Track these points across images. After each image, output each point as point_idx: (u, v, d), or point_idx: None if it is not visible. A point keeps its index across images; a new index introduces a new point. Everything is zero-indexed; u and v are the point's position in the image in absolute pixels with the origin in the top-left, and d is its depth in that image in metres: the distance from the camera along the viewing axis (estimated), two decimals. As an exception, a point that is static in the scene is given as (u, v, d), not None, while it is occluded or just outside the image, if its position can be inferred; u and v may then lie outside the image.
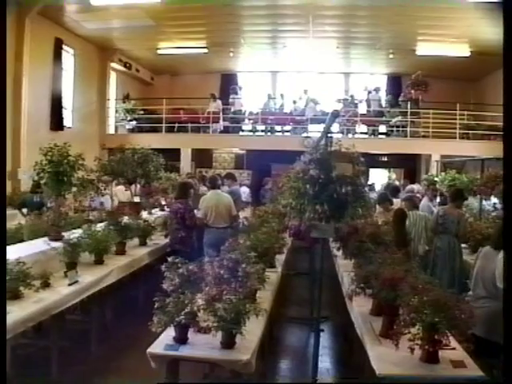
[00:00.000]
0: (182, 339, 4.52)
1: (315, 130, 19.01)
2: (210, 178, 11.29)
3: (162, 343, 4.51)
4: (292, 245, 9.76)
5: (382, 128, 21.63)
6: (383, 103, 21.67)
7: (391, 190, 12.19)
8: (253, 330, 4.70)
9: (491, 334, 5.37)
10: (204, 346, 4.48)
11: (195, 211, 9.80)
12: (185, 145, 20.71)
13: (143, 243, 9.49)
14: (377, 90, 22.14)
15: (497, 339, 5.19)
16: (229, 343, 4.46)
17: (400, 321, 4.37)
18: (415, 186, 15.06)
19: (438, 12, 15.33)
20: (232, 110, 21.57)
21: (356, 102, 21.68)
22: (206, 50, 20.32)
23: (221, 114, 21.40)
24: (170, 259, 5.17)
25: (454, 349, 4.42)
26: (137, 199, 11.99)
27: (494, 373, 5.13)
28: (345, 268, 7.45)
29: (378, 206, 10.48)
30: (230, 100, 21.79)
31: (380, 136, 21.66)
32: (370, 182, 16.03)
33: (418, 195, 13.59)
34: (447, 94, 21.25)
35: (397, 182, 18.01)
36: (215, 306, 4.46)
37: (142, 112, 21.47)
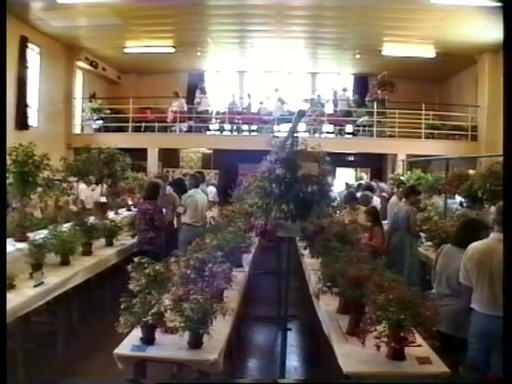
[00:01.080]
0: (148, 340, 4.50)
1: (283, 130, 19.05)
2: (191, 177, 11.27)
3: (129, 344, 4.48)
4: (259, 244, 9.78)
5: (349, 128, 21.75)
6: (351, 103, 21.79)
7: (365, 189, 12.28)
8: (220, 330, 4.70)
9: (457, 330, 5.45)
10: (171, 346, 4.47)
11: (164, 210, 9.81)
12: (152, 144, 20.59)
13: (110, 243, 9.43)
14: (344, 89, 22.33)
15: (462, 335, 5.30)
16: (196, 343, 4.45)
17: (366, 319, 4.41)
18: (381, 184, 15.22)
19: (403, 13, 15.48)
20: (199, 109, 21.47)
21: (323, 101, 21.80)
22: (173, 49, 20.22)
23: (184, 112, 21.35)
24: (136, 259, 5.14)
25: (419, 345, 4.46)
26: (103, 199, 11.90)
27: (459, 368, 5.23)
28: (312, 267, 7.48)
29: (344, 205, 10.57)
30: (198, 99, 21.69)
31: (347, 136, 21.77)
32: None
33: (384, 194, 13.76)
34: (413, 95, 21.49)
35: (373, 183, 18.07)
36: (182, 306, 4.43)
37: (108, 111, 21.26)
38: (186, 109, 21.26)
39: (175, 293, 4.71)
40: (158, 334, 4.57)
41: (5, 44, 3.89)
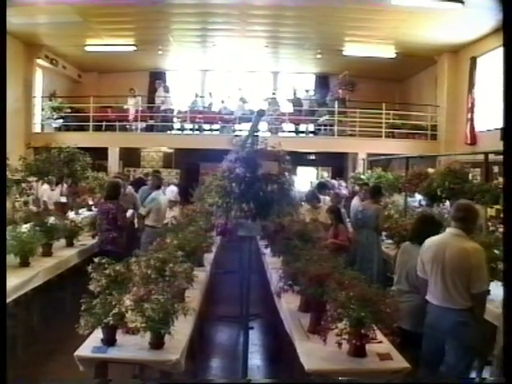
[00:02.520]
0: (110, 341, 4.46)
1: (244, 129, 19.04)
2: (154, 177, 11.22)
3: (90, 345, 4.43)
4: (221, 243, 9.78)
5: (310, 127, 21.84)
6: (312, 102, 21.89)
7: (320, 188, 12.36)
8: (181, 330, 4.69)
9: (417, 326, 5.54)
10: (132, 346, 4.44)
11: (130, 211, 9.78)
12: (112, 144, 20.34)
13: (70, 244, 9.31)
14: (307, 90, 22.47)
15: (422, 331, 5.43)
16: (157, 343, 4.43)
17: (327, 316, 4.44)
18: (342, 183, 15.35)
19: (364, 14, 15.60)
20: (162, 108, 21.34)
21: (286, 100, 21.86)
22: (134, 48, 20.02)
23: (145, 111, 21.25)
24: (96, 260, 5.10)
25: (380, 342, 4.52)
26: (63, 199, 11.77)
27: (419, 363, 5.32)
28: (273, 265, 7.50)
29: (305, 204, 10.62)
30: (162, 98, 21.54)
31: (308, 134, 21.86)
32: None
33: (343, 192, 13.87)
34: (373, 94, 21.65)
35: (334, 181, 18.13)
36: (143, 306, 4.40)
37: (68, 110, 20.95)
38: (140, 108, 21.13)
39: (136, 293, 4.67)
40: (119, 335, 4.52)
41: (5, 45, 3.83)
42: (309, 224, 8.52)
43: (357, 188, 13.34)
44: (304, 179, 19.30)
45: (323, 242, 7.96)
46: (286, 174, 5.28)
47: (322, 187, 12.47)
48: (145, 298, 4.55)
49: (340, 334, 4.28)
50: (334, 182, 15.61)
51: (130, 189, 11.69)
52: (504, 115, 3.43)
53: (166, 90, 21.94)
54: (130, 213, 10.29)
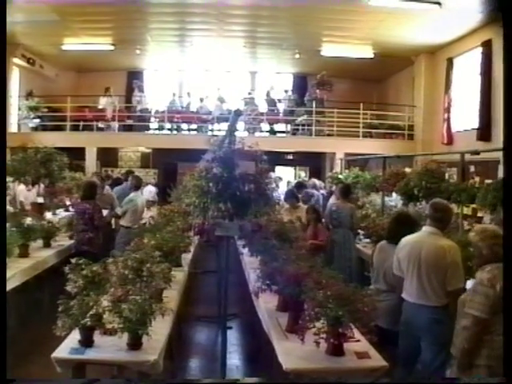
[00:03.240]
0: (87, 342, 4.43)
1: (222, 129, 19.02)
2: (135, 177, 11.14)
3: (67, 347, 4.40)
4: (199, 243, 9.76)
5: (288, 127, 21.88)
6: (290, 102, 21.93)
7: (298, 187, 12.40)
8: (159, 330, 4.68)
9: (394, 324, 5.60)
10: (110, 348, 4.41)
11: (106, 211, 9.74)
12: (90, 143, 20.22)
13: (47, 245, 9.21)
14: (286, 90, 22.54)
15: (399, 329, 5.48)
16: (135, 344, 4.41)
17: (305, 316, 4.44)
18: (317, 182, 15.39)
19: (342, 14, 15.65)
20: (138, 108, 21.25)
21: (266, 99, 21.90)
22: (112, 47, 19.88)
23: (122, 111, 21.19)
24: (73, 260, 5.06)
25: (358, 341, 4.55)
26: (40, 200, 11.67)
27: (396, 361, 5.37)
28: (251, 265, 7.47)
29: (284, 203, 10.64)
30: (137, 98, 21.45)
31: (286, 134, 21.89)
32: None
33: (321, 191, 13.91)
34: (351, 94, 21.80)
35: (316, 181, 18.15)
36: (121, 307, 4.39)
37: (45, 110, 20.77)
38: (117, 107, 21.05)
39: (113, 294, 4.66)
40: (97, 336, 4.50)
41: (5, 46, 3.79)
42: (287, 224, 8.52)
43: (334, 188, 13.40)
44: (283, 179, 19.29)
45: (303, 243, 7.98)
46: (263, 173, 5.29)
47: (300, 187, 12.50)
48: (122, 298, 4.54)
49: (318, 333, 4.30)
50: (316, 181, 15.62)
51: (107, 189, 11.63)
52: (504, 115, 3.46)
53: (141, 89, 21.86)
54: (107, 213, 10.25)
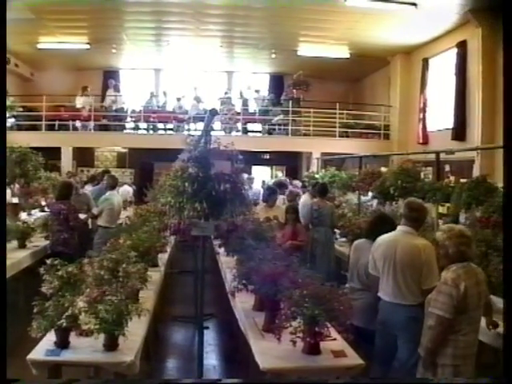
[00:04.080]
0: (63, 343, 4.39)
1: (199, 129, 18.98)
2: (110, 177, 11.07)
3: (43, 349, 4.35)
4: (175, 243, 9.74)
5: (265, 126, 21.90)
6: (267, 102, 21.97)
7: (279, 186, 12.39)
8: (136, 331, 4.65)
9: (369, 323, 5.62)
10: (86, 349, 4.37)
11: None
12: (66, 143, 20.05)
13: (22, 246, 9.12)
14: (257, 91, 22.57)
15: (374, 327, 5.53)
16: (111, 345, 4.37)
17: (281, 315, 4.44)
18: (295, 182, 15.46)
19: (319, 14, 15.71)
20: (113, 107, 21.13)
21: (240, 98, 21.91)
22: (88, 46, 19.74)
23: (98, 110, 21.06)
24: (48, 261, 5.02)
25: (334, 339, 4.55)
26: (15, 200, 11.55)
27: (372, 359, 5.40)
28: (227, 265, 7.48)
29: (261, 202, 10.64)
30: (112, 97, 21.32)
31: (261, 134, 21.93)
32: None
33: (298, 190, 13.94)
34: (328, 94, 21.83)
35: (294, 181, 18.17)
36: (96, 307, 4.36)
37: (21, 109, 20.56)
38: (93, 107, 20.91)
39: (89, 294, 4.63)
40: (73, 338, 4.45)
41: (5, 42, 3.75)
42: (264, 223, 8.51)
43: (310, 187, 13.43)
44: (259, 178, 19.31)
45: (283, 245, 7.99)
46: (239, 173, 5.29)
47: (279, 186, 12.48)
48: (98, 299, 4.51)
49: (294, 333, 4.30)
50: (295, 182, 15.69)
51: (83, 189, 11.55)
52: (504, 115, 3.48)
53: (117, 89, 21.76)
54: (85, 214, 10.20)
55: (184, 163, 5.10)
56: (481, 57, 14.64)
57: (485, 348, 5.01)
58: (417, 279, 5.15)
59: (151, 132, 21.52)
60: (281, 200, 11.62)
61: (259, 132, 22.02)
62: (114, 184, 10.72)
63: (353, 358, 4.40)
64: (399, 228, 5.53)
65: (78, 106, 20.69)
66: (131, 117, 21.76)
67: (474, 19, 14.56)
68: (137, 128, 21.73)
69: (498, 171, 13.02)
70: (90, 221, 10.71)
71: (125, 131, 21.70)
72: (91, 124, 20.52)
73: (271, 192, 10.54)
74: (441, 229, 4.88)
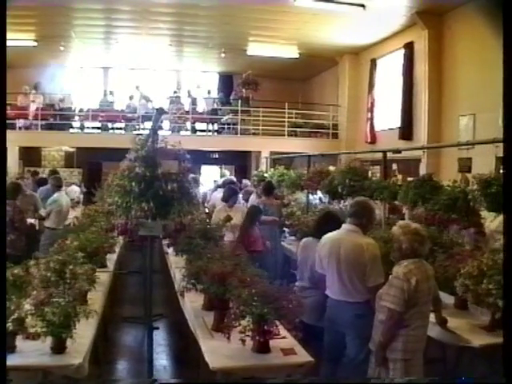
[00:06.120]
0: (9, 347, 4.29)
1: (148, 128, 18.83)
2: (55, 178, 10.89)
3: (-12, 353, 4.28)
4: (124, 243, 9.65)
5: (211, 125, 21.92)
6: (216, 101, 21.98)
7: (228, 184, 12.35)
8: (84, 333, 4.60)
9: (318, 320, 5.70)
10: (33, 352, 4.30)
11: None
12: (12, 142, 19.62)
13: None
14: (209, 92, 22.65)
15: (324, 325, 5.56)
16: (59, 348, 4.31)
17: (230, 314, 4.46)
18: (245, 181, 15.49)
19: (268, 14, 15.79)
20: (60, 106, 20.79)
21: (189, 97, 21.87)
22: (35, 43, 19.40)
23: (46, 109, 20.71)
24: (-7, 263, 4.92)
25: (284, 337, 4.59)
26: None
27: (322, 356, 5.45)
28: (176, 264, 7.44)
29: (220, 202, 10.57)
30: (60, 96, 20.94)
31: (210, 133, 21.94)
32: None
33: (252, 189, 13.96)
34: (277, 93, 21.97)
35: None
36: (43, 310, 4.29)
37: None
38: (41, 105, 20.57)
39: (36, 297, 4.57)
40: (20, 341, 4.38)
41: (5, 44, 3.65)
42: (222, 226, 8.44)
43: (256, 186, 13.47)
44: (207, 178, 19.31)
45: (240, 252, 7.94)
46: (186, 172, 5.28)
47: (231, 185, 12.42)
48: (45, 301, 4.45)
49: (243, 331, 4.32)
50: (245, 181, 15.69)
51: (30, 190, 11.35)
52: (504, 115, 3.52)
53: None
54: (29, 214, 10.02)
55: (131, 163, 5.07)
56: (427, 58, 14.96)
57: (432, 343, 5.11)
58: (361, 277, 5.21)
59: (99, 131, 21.27)
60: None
61: (208, 131, 21.98)
62: (58, 184, 10.56)
63: (302, 356, 4.44)
64: (344, 226, 5.58)
65: (32, 104, 20.19)
66: (79, 116, 21.44)
67: (420, 21, 14.88)
68: (83, 127, 21.41)
69: (443, 170, 13.33)
70: (37, 222, 10.55)
71: (71, 130, 21.35)
72: (38, 123, 20.14)
73: (232, 192, 10.28)
74: (398, 224, 4.95)
